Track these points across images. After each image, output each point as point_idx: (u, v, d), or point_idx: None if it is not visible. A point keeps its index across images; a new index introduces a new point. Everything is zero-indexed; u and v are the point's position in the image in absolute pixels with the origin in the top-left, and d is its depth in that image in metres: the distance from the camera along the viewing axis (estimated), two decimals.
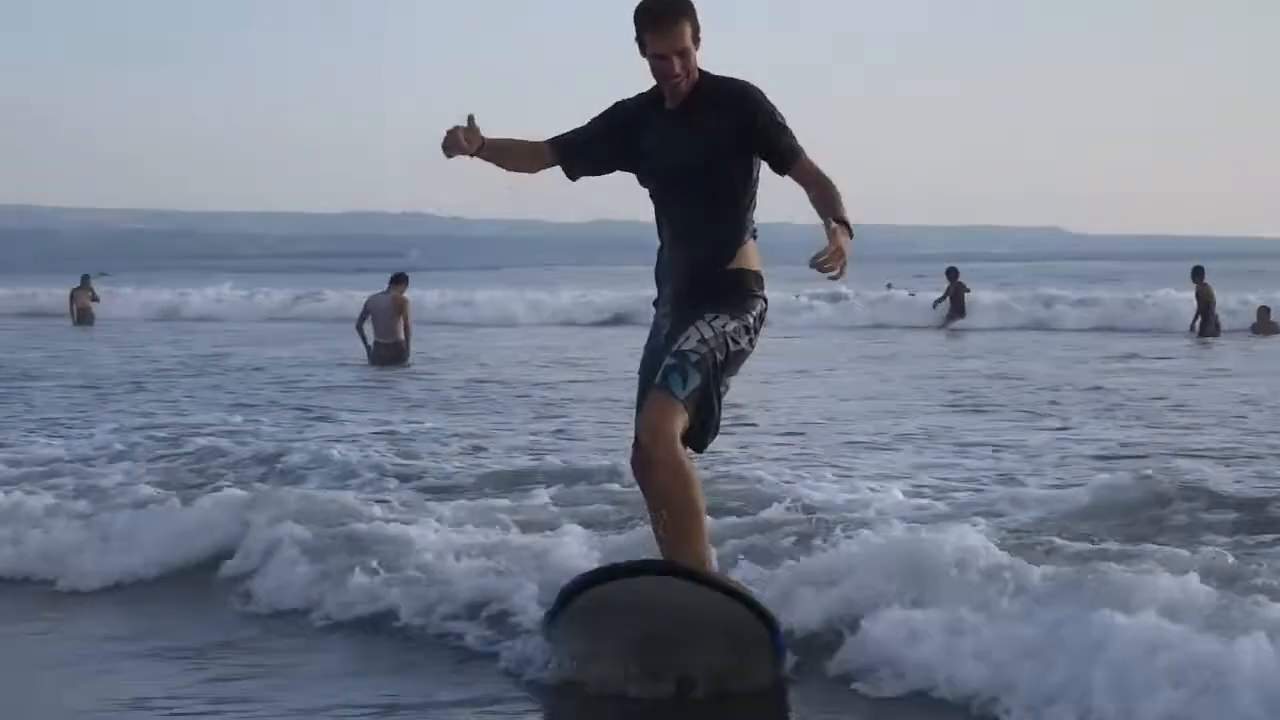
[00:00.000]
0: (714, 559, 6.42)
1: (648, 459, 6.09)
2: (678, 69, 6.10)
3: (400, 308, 22.17)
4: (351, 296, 35.23)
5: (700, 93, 6.20)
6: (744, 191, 6.26)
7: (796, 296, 36.99)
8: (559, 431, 13.68)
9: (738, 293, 6.26)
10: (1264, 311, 30.11)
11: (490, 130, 6.26)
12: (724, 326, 6.15)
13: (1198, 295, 29.65)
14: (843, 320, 35.99)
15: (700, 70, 6.22)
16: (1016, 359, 22.84)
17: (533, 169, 6.53)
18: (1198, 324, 29.33)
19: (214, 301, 44.87)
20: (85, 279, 39.41)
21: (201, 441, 12.25)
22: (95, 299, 38.92)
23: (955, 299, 34.94)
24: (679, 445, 6.05)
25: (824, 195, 6.02)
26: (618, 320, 36.32)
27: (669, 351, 6.15)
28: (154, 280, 57.54)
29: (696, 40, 6.15)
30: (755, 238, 6.37)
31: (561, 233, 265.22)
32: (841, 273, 5.75)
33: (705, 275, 6.25)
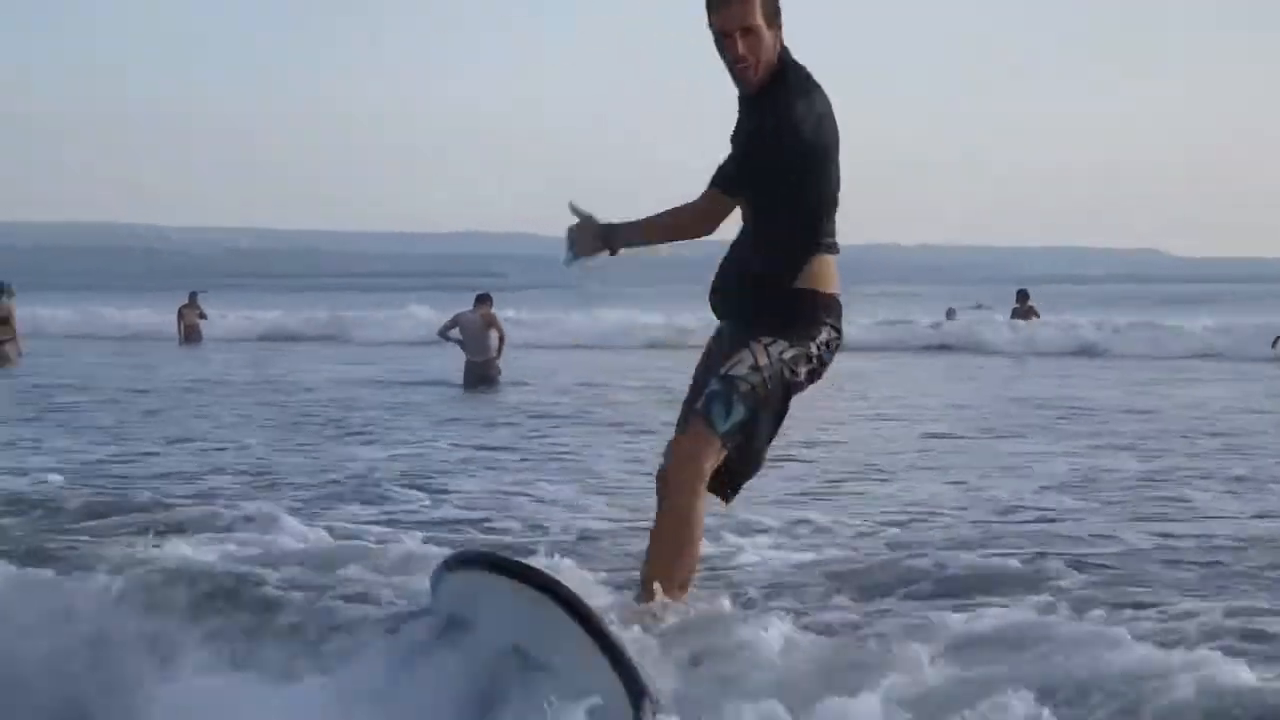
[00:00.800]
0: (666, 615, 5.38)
1: (665, 486, 5.46)
2: (742, 50, 5.34)
3: (490, 322, 22.64)
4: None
5: (773, 84, 5.41)
6: (788, 197, 5.46)
7: None
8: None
9: (802, 317, 5.48)
10: None
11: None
12: (781, 354, 5.44)
13: None
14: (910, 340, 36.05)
15: (789, 61, 5.46)
16: (1064, 384, 22.20)
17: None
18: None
19: (304, 321, 44.91)
20: (193, 296, 39.30)
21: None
22: (203, 316, 38.88)
23: (1025, 314, 35.52)
24: (702, 486, 5.40)
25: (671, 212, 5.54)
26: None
27: (716, 374, 5.45)
28: (261, 299, 58.04)
29: (771, 22, 5.38)
30: (831, 252, 5.57)
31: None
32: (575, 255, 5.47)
33: (765, 292, 5.49)
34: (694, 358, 5.75)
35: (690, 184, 5.60)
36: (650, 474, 5.81)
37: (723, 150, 5.56)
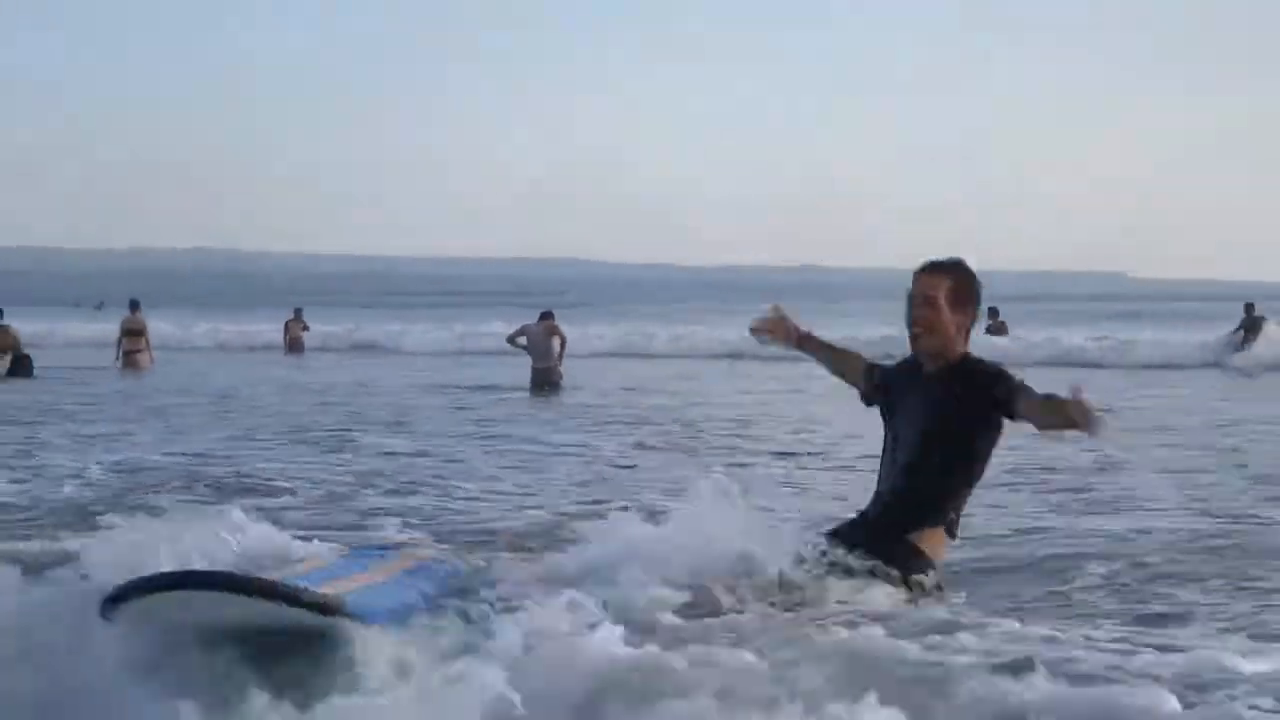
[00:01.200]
0: None
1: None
2: (918, 315, 5.50)
3: (553, 332, 23.11)
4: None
5: (954, 371, 5.55)
6: (947, 467, 5.53)
7: None
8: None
9: (905, 564, 5.50)
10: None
11: None
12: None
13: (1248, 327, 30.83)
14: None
15: (968, 354, 5.61)
16: None
17: (847, 377, 6.00)
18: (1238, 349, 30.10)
19: (398, 334, 43.17)
20: (298, 311, 39.56)
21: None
22: (306, 328, 39.00)
23: (998, 330, 35.65)
24: None
25: (1051, 407, 5.22)
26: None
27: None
28: (348, 316, 57.95)
29: (957, 310, 5.54)
30: (949, 533, 5.62)
31: (691, 276, 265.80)
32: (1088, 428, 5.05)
33: (883, 532, 5.56)
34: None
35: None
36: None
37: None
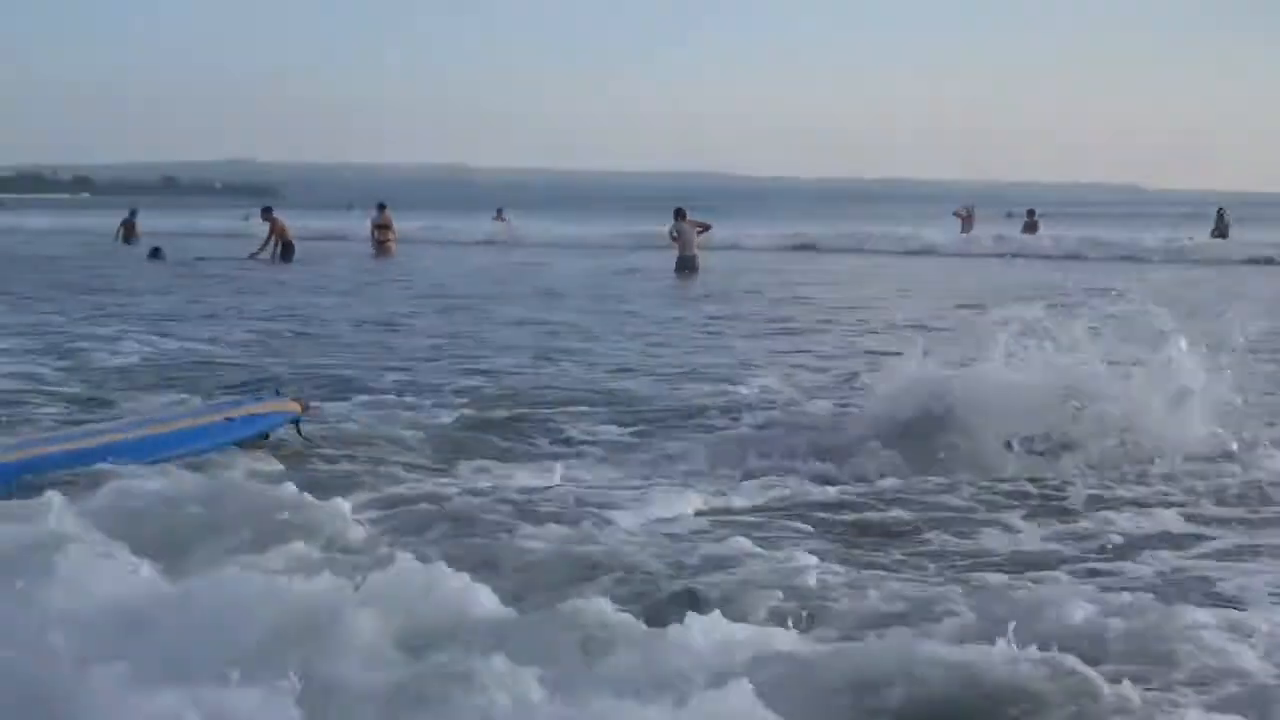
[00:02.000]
0: None
1: None
2: None
3: (696, 225, 23.03)
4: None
5: None
6: None
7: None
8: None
9: None
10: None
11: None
12: None
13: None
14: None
15: None
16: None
17: None
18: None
19: (580, 231, 40.27)
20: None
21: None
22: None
23: (1030, 229, 34.34)
24: None
25: None
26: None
27: None
28: (541, 215, 58.22)
29: None
30: None
31: (811, 187, 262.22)
32: None
33: None
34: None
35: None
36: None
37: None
